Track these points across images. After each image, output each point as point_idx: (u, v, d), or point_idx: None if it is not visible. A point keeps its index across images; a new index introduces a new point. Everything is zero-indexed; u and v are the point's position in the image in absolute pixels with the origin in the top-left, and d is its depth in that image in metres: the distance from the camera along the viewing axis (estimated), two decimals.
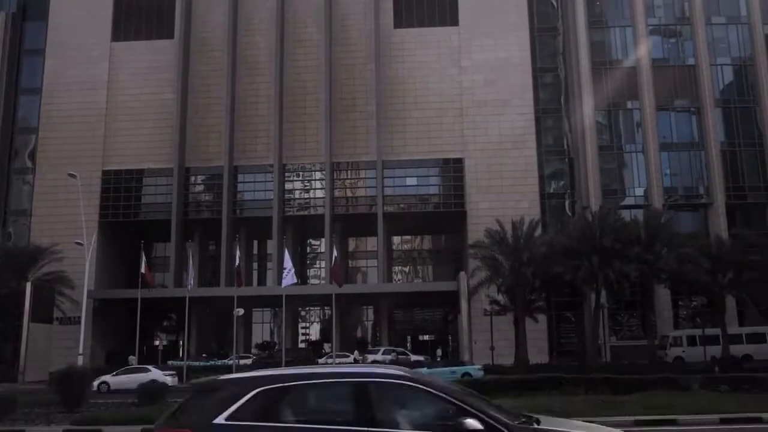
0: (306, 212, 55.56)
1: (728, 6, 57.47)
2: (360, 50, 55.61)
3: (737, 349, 42.88)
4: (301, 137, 54.63)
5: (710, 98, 54.43)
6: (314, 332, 67.70)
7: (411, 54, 55.33)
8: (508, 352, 43.95)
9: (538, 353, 45.05)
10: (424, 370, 36.65)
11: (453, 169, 53.72)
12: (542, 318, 46.81)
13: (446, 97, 53.99)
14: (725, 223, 51.68)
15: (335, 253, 44.73)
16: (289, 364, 41.08)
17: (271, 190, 53.71)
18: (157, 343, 47.43)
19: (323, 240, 55.75)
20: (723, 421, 16.72)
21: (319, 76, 54.53)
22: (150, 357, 46.99)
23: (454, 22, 55.43)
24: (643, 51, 54.99)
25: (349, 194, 55.75)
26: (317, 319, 68.00)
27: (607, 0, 58.51)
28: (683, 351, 44.29)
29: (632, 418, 17.08)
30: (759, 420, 16.72)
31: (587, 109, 54.00)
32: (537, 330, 46.35)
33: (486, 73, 54.02)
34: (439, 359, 48.62)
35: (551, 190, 55.27)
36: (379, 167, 52.77)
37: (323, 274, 58.68)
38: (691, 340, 44.88)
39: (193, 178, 56.35)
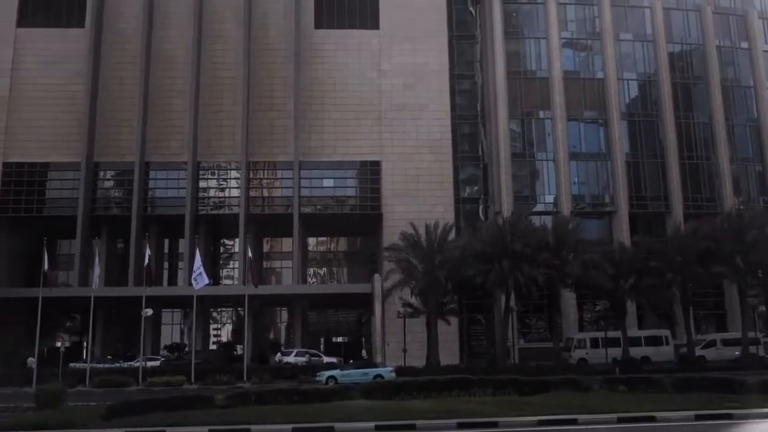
0: (220, 211, 54.50)
1: (635, 24, 60.31)
2: (279, 49, 55.10)
3: (636, 351, 45.01)
4: (217, 135, 53.60)
5: (617, 111, 56.95)
6: (226, 333, 66.57)
7: (331, 55, 55.28)
8: (420, 353, 44.45)
9: (449, 355, 45.79)
10: (337, 372, 36.77)
11: (370, 172, 53.93)
12: (454, 320, 47.61)
13: (365, 100, 54.21)
14: (628, 231, 54.14)
15: (249, 253, 44.18)
16: (199, 366, 40.31)
17: (184, 188, 52.40)
18: (59, 344, 45.19)
19: (237, 240, 54.95)
20: (620, 420, 17.52)
21: (237, 74, 53.66)
22: (51, 359, 44.91)
23: (375, 25, 55.78)
24: (555, 62, 56.96)
25: (265, 194, 55.05)
26: (229, 320, 66.88)
27: (523, 12, 60.30)
28: (587, 353, 46.05)
29: (536, 417, 17.66)
30: (653, 419, 17.63)
31: (502, 117, 55.42)
32: (449, 332, 47.11)
33: (405, 78, 54.60)
34: (359, 360, 48.71)
35: (466, 195, 56.33)
36: (296, 168, 52.38)
37: (236, 275, 57.70)
38: (594, 343, 46.74)
39: (102, 173, 54.25)
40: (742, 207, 54.42)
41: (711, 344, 47.17)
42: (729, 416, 17.86)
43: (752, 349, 44.92)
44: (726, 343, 47.10)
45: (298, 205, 52.21)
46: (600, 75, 58.30)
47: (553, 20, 57.96)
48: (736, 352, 44.94)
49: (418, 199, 51.86)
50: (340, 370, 37.79)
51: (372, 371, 36.61)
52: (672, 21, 60.81)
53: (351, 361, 47.51)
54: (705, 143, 58.59)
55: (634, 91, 60.04)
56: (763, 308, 54.85)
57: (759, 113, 60.04)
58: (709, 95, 59.09)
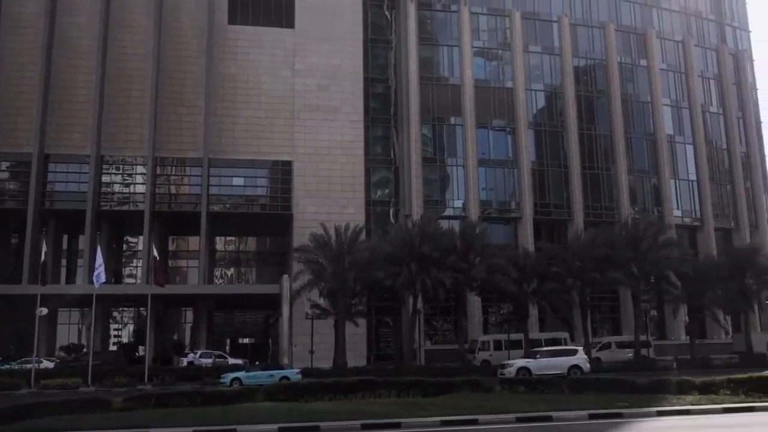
0: (124, 207, 52.66)
1: (544, 37, 62.47)
2: (191, 43, 53.80)
3: None
4: (123, 128, 51.74)
5: (524, 120, 58.82)
6: (127, 334, 64.37)
7: (244, 52, 54.46)
8: (327, 355, 44.33)
9: (356, 357, 45.96)
10: (242, 373, 36.17)
11: (281, 172, 53.47)
12: (362, 322, 47.78)
13: (278, 99, 53.71)
14: (532, 237, 56.02)
15: (154, 251, 42.86)
16: (97, 367, 38.73)
17: (86, 182, 50.28)
18: None
19: (141, 237, 53.23)
20: (519, 420, 18.05)
21: (147, 66, 52.02)
22: None
23: (290, 24, 55.36)
24: (467, 70, 58.25)
25: (172, 191, 53.64)
26: (131, 321, 64.69)
27: (437, 19, 61.35)
28: (490, 354, 47.17)
29: (439, 418, 17.95)
30: (549, 418, 18.26)
31: (414, 122, 56.16)
32: (357, 334, 47.26)
33: (319, 78, 54.45)
34: (265, 362, 48.05)
35: (377, 198, 56.71)
36: (205, 165, 51.30)
37: (139, 273, 55.89)
38: (498, 345, 47.96)
39: None
40: (637, 216, 57.16)
41: (606, 347, 49.32)
42: (619, 415, 18.75)
43: (643, 351, 47.31)
44: (620, 345, 49.37)
45: (206, 204, 51.12)
46: (509, 84, 60.04)
47: (466, 29, 59.29)
48: (629, 354, 47.15)
49: (330, 200, 51.82)
50: (245, 371, 37.20)
51: (278, 373, 36.23)
52: (578, 36, 63.40)
53: (257, 362, 46.91)
54: (605, 154, 61.32)
55: (541, 102, 62.15)
56: (654, 313, 57.99)
57: (655, 128, 63.37)
58: (611, 109, 61.92)
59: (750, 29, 74.40)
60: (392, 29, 59.68)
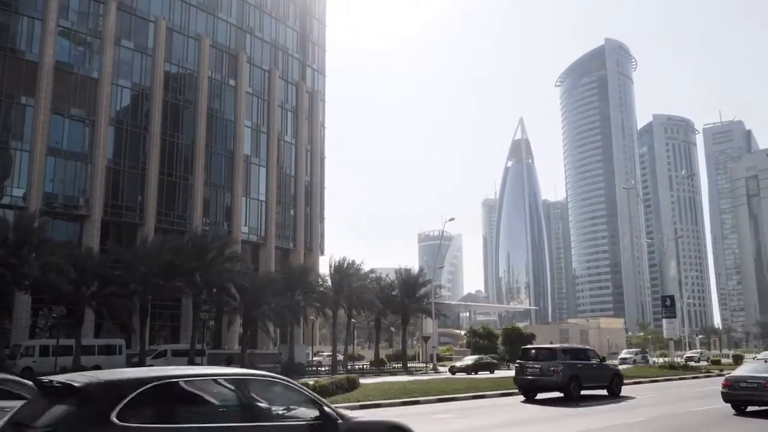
0: None
1: (138, 35, 60.68)
2: None
3: (89, 360, 44.02)
4: None
5: (106, 114, 56.01)
6: None
7: None
8: None
9: None
10: None
11: None
12: None
13: None
14: (99, 237, 53.33)
15: None
16: None
17: None
18: None
19: None
20: None
21: None
22: None
23: None
24: (48, 49, 53.13)
25: None
26: None
27: None
28: (34, 361, 43.07)
29: None
30: None
31: None
32: None
33: None
34: None
35: None
36: None
37: None
38: (44, 350, 44.05)
39: None
40: (207, 228, 58.83)
41: (162, 354, 49.18)
42: None
43: (198, 360, 48.46)
44: (176, 353, 49.71)
45: None
46: (95, 75, 56.61)
47: (53, 4, 54.07)
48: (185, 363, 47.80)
49: None
50: None
51: None
52: (174, 42, 63.14)
53: None
54: (185, 164, 61.95)
55: (126, 99, 60.02)
56: (212, 323, 60.15)
57: (235, 147, 66.44)
58: (196, 120, 62.98)
59: (326, 74, 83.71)
60: None
